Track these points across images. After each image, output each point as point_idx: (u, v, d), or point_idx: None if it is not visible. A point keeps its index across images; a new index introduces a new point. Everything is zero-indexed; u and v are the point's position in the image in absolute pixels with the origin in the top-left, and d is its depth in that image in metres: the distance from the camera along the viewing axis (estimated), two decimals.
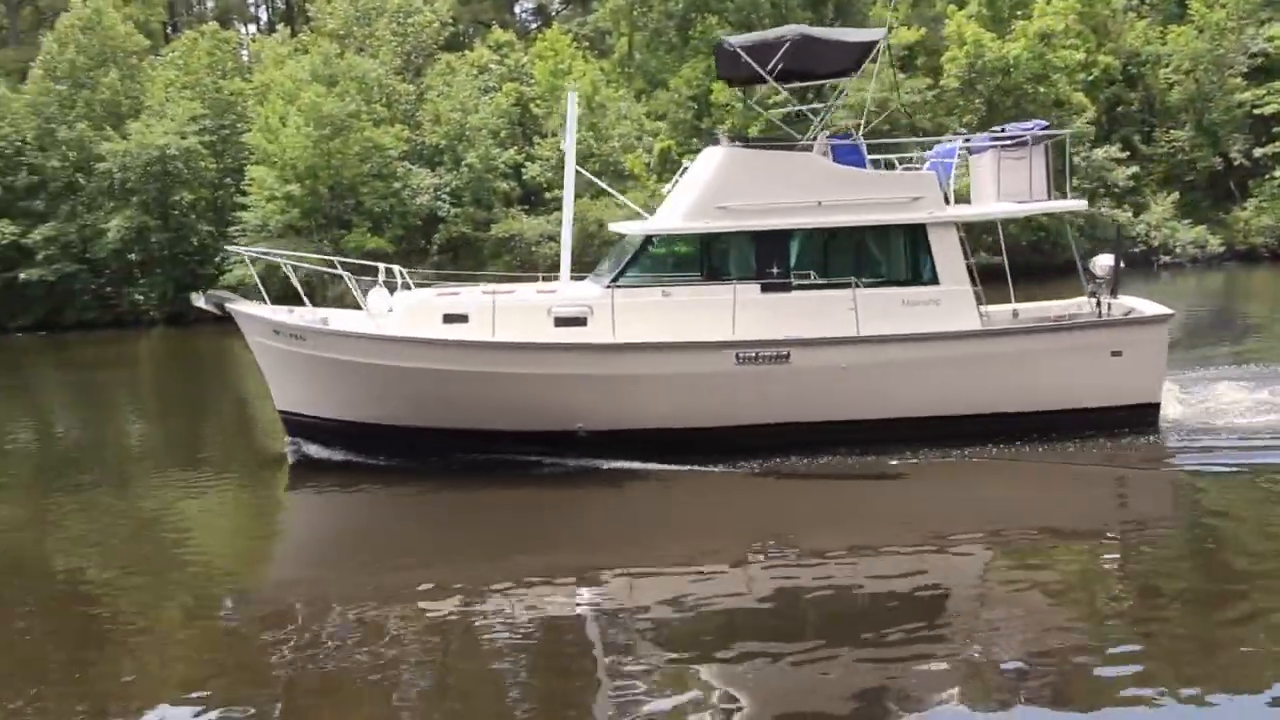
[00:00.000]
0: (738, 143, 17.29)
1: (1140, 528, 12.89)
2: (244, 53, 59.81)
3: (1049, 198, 16.68)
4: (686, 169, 16.88)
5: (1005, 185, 16.41)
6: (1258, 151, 47.52)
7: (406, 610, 10.73)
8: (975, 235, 37.04)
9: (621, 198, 19.56)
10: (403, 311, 15.95)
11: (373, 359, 15.61)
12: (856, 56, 16.84)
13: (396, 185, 45.97)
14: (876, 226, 15.91)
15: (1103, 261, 16.89)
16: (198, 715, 8.63)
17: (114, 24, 52.38)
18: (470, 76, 49.67)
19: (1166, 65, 49.20)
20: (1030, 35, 46.66)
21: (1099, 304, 16.74)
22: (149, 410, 27.09)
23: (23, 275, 47.86)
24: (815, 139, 16.79)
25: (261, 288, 17.12)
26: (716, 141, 16.85)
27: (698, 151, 17.33)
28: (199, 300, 17.13)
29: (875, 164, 16.87)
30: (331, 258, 18.56)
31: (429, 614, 10.63)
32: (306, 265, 19.50)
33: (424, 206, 45.97)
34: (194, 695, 9.01)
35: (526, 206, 47.06)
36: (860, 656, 9.23)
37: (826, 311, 15.55)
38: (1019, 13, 48.78)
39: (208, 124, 49.61)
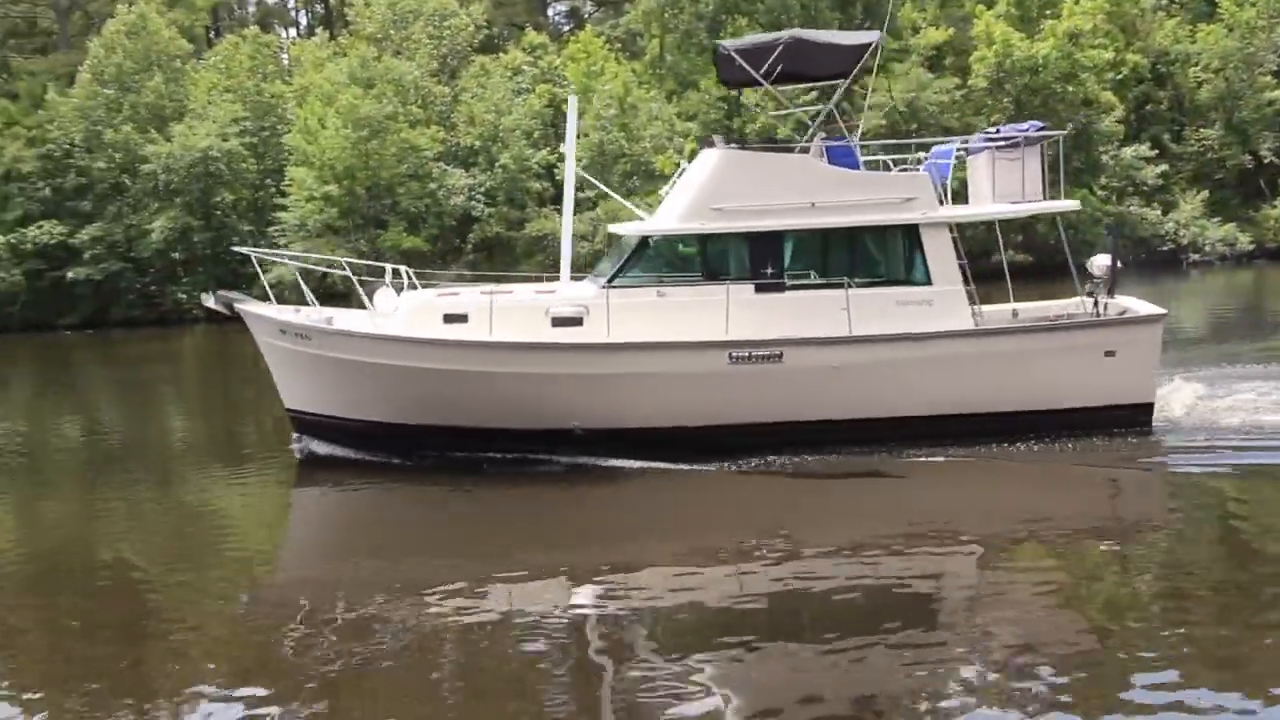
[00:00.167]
0: (733, 145, 17.35)
1: (1133, 527, 12.86)
2: (284, 56, 60.59)
3: (1043, 198, 16.70)
4: (684, 170, 16.99)
5: (1000, 186, 16.43)
6: None
7: (422, 606, 10.82)
8: (1004, 235, 37.43)
9: (623, 200, 19.59)
10: (404, 312, 16.12)
11: (373, 358, 15.81)
12: (851, 59, 16.85)
13: (432, 185, 46.75)
14: (869, 227, 15.98)
15: (1100, 262, 16.90)
16: (239, 707, 8.75)
17: (158, 29, 53.40)
18: (504, 78, 50.34)
19: (1196, 64, 49.20)
20: (1059, 35, 46.71)
21: (1096, 304, 16.75)
22: (192, 407, 27.54)
23: (70, 274, 49.17)
24: (814, 140, 16.79)
25: (304, 285, 17.35)
26: (713, 144, 16.89)
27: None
28: (209, 300, 17.31)
29: (878, 165, 16.99)
30: (338, 258, 18.81)
31: (435, 611, 10.71)
32: (323, 266, 19.80)
33: (459, 206, 46.74)
34: (236, 688, 9.13)
35: (559, 206, 47.67)
36: (857, 655, 9.22)
37: (819, 311, 15.61)
38: (1047, 12, 48.85)
39: (249, 126, 50.58)
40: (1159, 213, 46.73)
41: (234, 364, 34.60)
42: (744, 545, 12.38)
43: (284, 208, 47.20)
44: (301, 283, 17.23)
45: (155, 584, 12.53)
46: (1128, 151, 47.17)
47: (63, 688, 9.35)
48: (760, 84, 16.94)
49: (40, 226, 49.89)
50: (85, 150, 51.26)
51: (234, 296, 17.46)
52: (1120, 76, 48.30)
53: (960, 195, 18.35)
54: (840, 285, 15.73)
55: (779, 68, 16.56)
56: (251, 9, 76.61)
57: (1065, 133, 18.85)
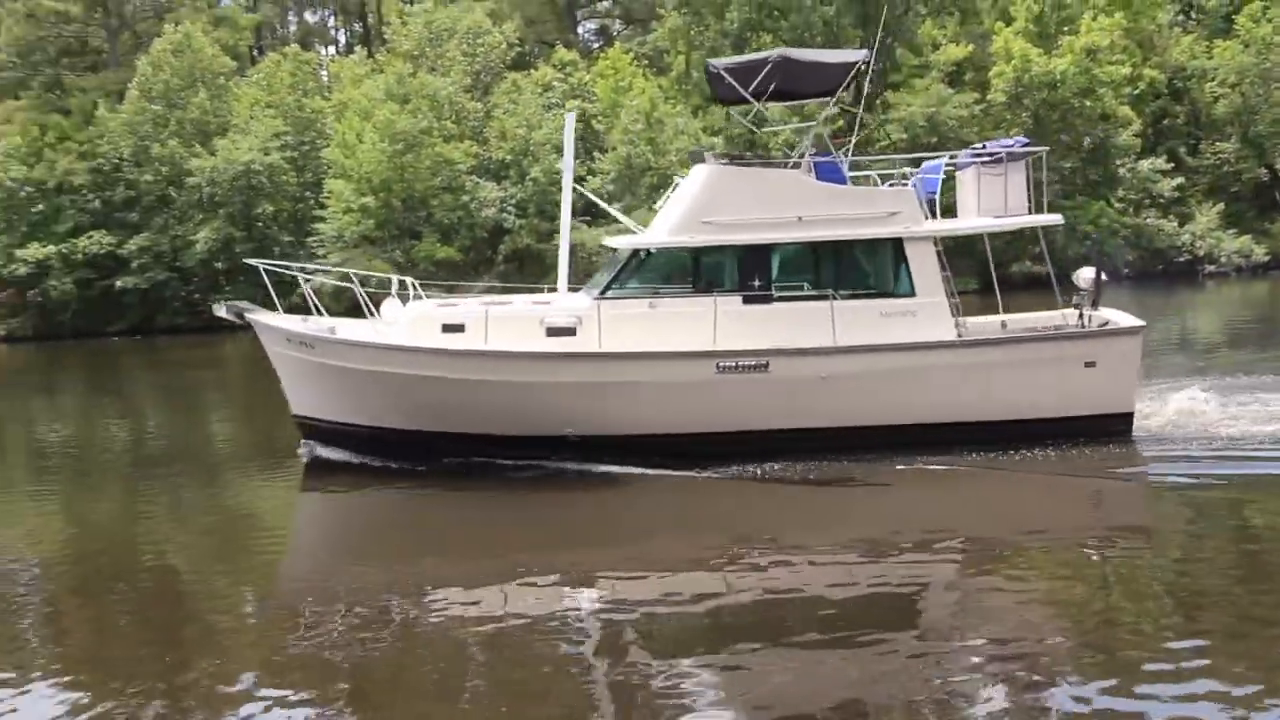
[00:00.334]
0: (724, 160, 17.61)
1: (1115, 534, 12.90)
2: (323, 73, 62.10)
3: (1028, 212, 16.96)
4: (678, 185, 17.30)
5: (985, 201, 16.70)
6: None
7: (438, 606, 11.16)
8: (1021, 246, 38.13)
9: (622, 217, 20.26)
10: (405, 321, 16.52)
11: (372, 366, 16.22)
12: (838, 77, 17.13)
13: (465, 198, 48.01)
14: (855, 240, 16.26)
15: (1085, 274, 17.11)
16: (276, 709, 8.89)
17: (203, 47, 55.18)
18: (535, 94, 51.49)
19: (1212, 79, 49.81)
20: (1077, 50, 47.33)
21: (1081, 315, 16.99)
22: (234, 411, 27.95)
23: (119, 283, 51.04)
24: (804, 156, 17.08)
25: (311, 297, 17.60)
26: (703, 159, 17.15)
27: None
28: (220, 310, 17.62)
29: (867, 180, 17.59)
30: (347, 270, 19.26)
31: (443, 610, 11.06)
32: (332, 279, 20.03)
33: (490, 218, 47.97)
34: (270, 688, 9.32)
35: (588, 218, 48.89)
36: (845, 659, 9.33)
37: (805, 322, 15.88)
38: (1065, 29, 49.55)
39: (289, 140, 52.14)
40: (1175, 225, 47.39)
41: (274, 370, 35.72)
42: (736, 550, 12.56)
43: (322, 219, 48.58)
44: (309, 293, 17.40)
45: (196, 584, 12.86)
46: (1145, 165, 47.85)
47: (105, 686, 9.53)
48: (749, 101, 17.34)
49: (90, 237, 51.76)
50: (134, 164, 53.04)
51: (244, 306, 17.84)
52: (1137, 91, 48.93)
53: (951, 210, 18.76)
54: (826, 297, 16.04)
55: (769, 86, 16.99)
56: (293, 28, 78.75)
57: (1047, 149, 19.46)
